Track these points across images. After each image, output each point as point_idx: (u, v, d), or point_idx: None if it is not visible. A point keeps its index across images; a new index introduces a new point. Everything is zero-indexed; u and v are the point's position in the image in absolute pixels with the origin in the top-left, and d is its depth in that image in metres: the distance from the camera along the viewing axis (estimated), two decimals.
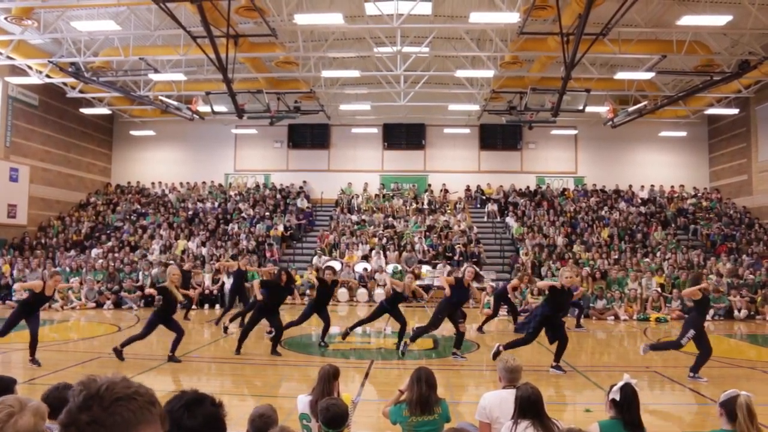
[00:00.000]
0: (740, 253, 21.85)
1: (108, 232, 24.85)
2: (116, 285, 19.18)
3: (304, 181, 29.28)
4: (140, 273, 19.94)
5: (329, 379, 4.82)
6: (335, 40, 20.43)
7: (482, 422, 4.45)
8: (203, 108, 22.54)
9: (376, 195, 28.45)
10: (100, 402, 1.29)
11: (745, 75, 18.89)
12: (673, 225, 25.25)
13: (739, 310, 17.67)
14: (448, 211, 26.63)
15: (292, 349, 11.38)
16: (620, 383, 3.87)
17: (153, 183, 29.71)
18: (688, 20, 16.08)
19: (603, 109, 23.64)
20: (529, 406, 3.87)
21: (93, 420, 1.28)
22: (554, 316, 9.34)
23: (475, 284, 14.79)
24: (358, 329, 15.09)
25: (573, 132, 28.57)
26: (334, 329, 15.32)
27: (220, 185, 29.62)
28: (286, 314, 12.40)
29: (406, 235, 23.90)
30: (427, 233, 24.07)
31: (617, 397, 3.83)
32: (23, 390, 5.52)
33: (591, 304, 17.40)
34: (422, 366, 4.75)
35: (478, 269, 10.54)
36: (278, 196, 28.28)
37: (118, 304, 18.39)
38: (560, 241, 23.30)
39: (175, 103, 23.14)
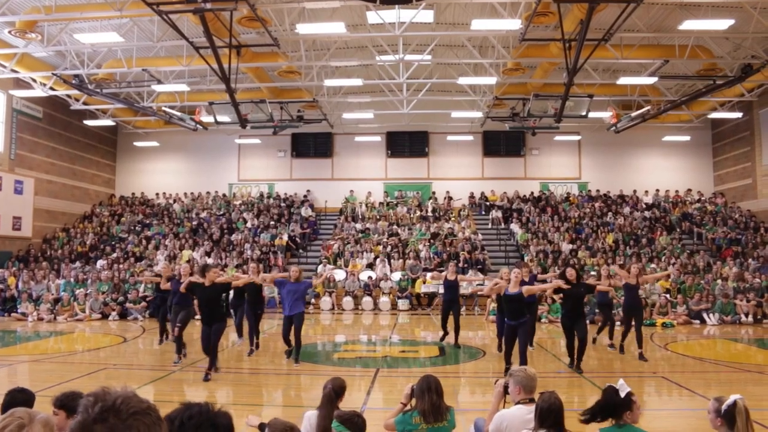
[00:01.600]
0: (746, 257, 21.77)
1: (113, 243, 24.92)
2: (121, 296, 19.21)
3: (308, 190, 29.34)
4: (144, 284, 19.93)
5: (332, 399, 4.63)
6: (337, 49, 20.51)
7: None
8: (206, 118, 22.61)
9: (380, 203, 28.47)
10: (117, 414, 1.31)
11: (748, 79, 18.86)
12: (678, 230, 25.19)
13: (746, 315, 17.57)
14: (453, 219, 26.62)
15: (304, 360, 11.32)
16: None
17: (157, 194, 29.81)
18: (689, 25, 16.10)
19: (606, 115, 23.64)
20: (548, 415, 3.80)
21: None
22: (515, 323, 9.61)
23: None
24: (363, 338, 15.12)
25: (576, 138, 28.59)
26: (339, 338, 15.34)
27: (224, 195, 29.70)
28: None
29: (411, 243, 23.89)
30: (432, 241, 24.05)
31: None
32: None
33: (596, 310, 17.29)
34: (429, 374, 4.72)
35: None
36: (282, 205, 28.33)
37: (123, 315, 18.39)
38: (565, 247, 23.25)
39: (179, 113, 23.23)
